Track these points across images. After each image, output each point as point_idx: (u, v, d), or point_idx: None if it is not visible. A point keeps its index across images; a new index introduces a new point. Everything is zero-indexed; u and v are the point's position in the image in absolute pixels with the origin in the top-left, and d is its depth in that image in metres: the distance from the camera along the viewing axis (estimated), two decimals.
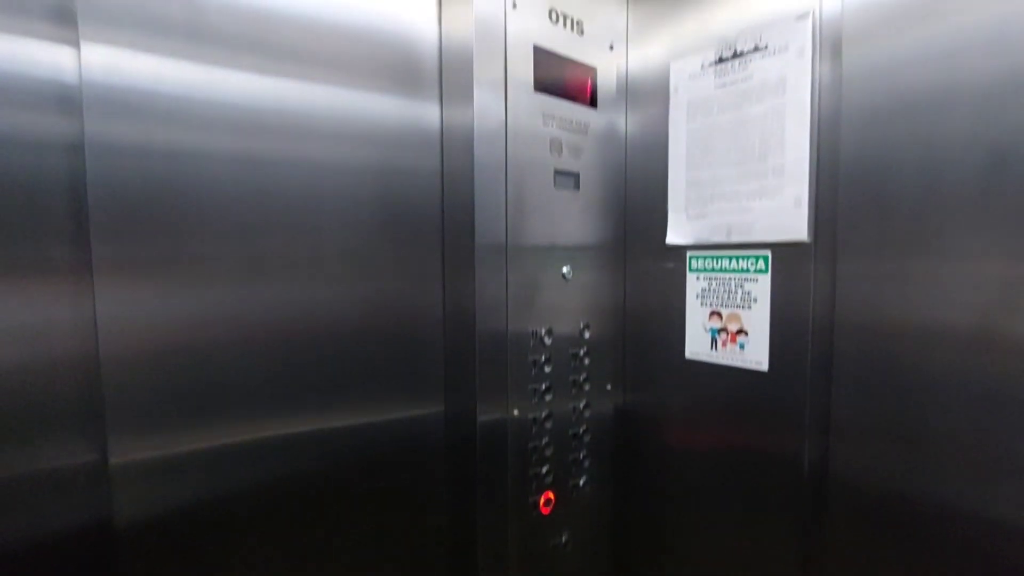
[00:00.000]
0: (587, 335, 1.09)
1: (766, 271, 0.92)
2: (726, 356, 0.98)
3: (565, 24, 1.01)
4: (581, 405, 1.09)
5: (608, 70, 1.08)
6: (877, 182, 0.79)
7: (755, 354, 0.94)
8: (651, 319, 1.10)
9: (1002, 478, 0.71)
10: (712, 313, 1.00)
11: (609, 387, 1.14)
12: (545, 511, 1.04)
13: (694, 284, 1.02)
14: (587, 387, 1.09)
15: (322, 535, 0.89)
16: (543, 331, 1.01)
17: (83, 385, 0.68)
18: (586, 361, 1.09)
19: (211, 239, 0.76)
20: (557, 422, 1.05)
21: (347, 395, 0.90)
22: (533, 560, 1.04)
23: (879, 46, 0.78)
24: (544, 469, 1.03)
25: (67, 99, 0.65)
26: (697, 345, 1.03)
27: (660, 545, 1.12)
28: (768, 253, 0.91)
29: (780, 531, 0.93)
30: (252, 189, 0.79)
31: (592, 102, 1.06)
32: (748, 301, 0.95)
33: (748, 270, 0.94)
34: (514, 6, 0.93)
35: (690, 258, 1.03)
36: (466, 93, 0.91)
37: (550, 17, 0.98)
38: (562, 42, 1.00)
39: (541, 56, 0.97)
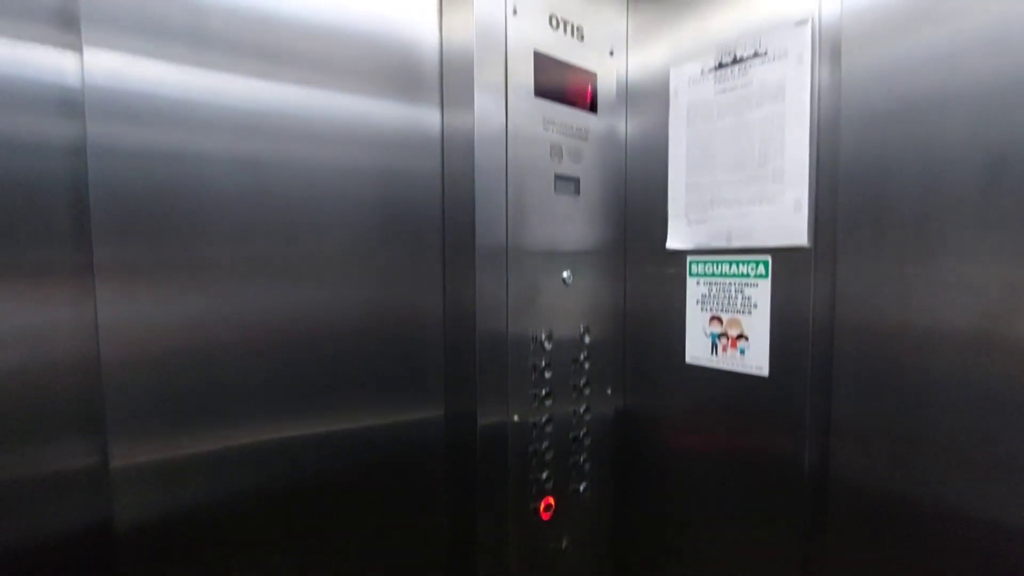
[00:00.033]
0: (587, 339, 1.08)
1: (766, 276, 0.92)
2: (727, 361, 0.98)
3: (565, 30, 1.01)
4: (581, 410, 1.09)
5: (608, 75, 1.09)
6: (876, 186, 0.79)
7: (756, 359, 0.94)
8: (651, 324, 1.10)
9: (1002, 479, 0.71)
10: (712, 318, 1.00)
11: (609, 391, 1.14)
12: (545, 516, 1.04)
13: (694, 289, 1.02)
14: (587, 391, 1.09)
15: (322, 539, 0.89)
16: (543, 335, 1.01)
17: (84, 387, 0.68)
18: (586, 366, 1.09)
19: (212, 242, 0.76)
20: (557, 427, 1.04)
21: (347, 398, 0.90)
22: (533, 566, 1.03)
23: (878, 51, 0.79)
24: (544, 474, 1.03)
25: (69, 102, 0.66)
26: (698, 350, 1.03)
27: (661, 549, 1.12)
28: (768, 258, 0.92)
29: (781, 535, 0.92)
30: (253, 192, 0.79)
31: (592, 107, 1.06)
32: (748, 306, 0.94)
33: (748, 275, 0.94)
34: (515, 12, 0.93)
35: (690, 263, 1.03)
36: (467, 98, 0.91)
37: (550, 23, 0.99)
38: (562, 48, 1.01)
39: (541, 62, 0.97)
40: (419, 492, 1.00)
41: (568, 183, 1.04)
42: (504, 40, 0.93)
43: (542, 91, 0.98)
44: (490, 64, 0.92)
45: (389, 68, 0.92)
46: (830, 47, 0.83)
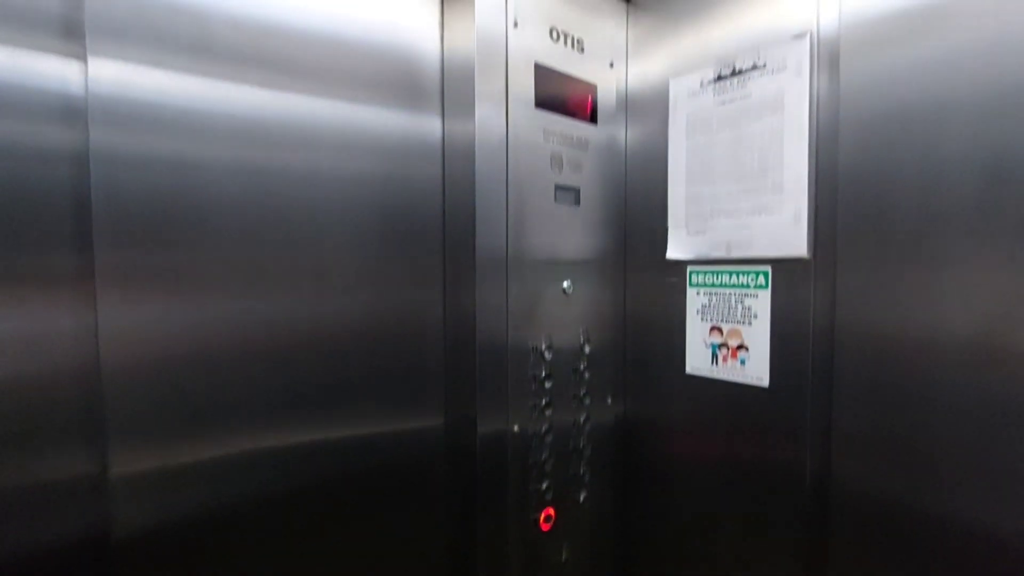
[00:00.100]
0: (587, 349, 1.08)
1: (766, 287, 0.92)
2: (727, 372, 0.98)
3: (566, 42, 1.02)
4: (582, 420, 1.08)
5: (608, 87, 1.10)
6: (875, 196, 0.80)
7: (756, 370, 0.94)
8: (651, 334, 1.10)
9: (1005, 489, 0.71)
10: (713, 328, 1.00)
11: (610, 401, 1.13)
12: (545, 527, 1.03)
13: (694, 299, 1.03)
14: (587, 401, 1.09)
15: (321, 548, 0.88)
16: (543, 345, 1.01)
17: (84, 394, 0.68)
18: (587, 376, 1.08)
19: (214, 249, 0.76)
20: (557, 437, 1.04)
21: (347, 406, 0.90)
22: None
23: (876, 63, 0.79)
24: (544, 485, 1.02)
25: (73, 110, 0.66)
26: (698, 360, 1.02)
27: (661, 559, 1.11)
28: (768, 269, 0.92)
29: (782, 545, 0.92)
30: (255, 200, 0.79)
31: (592, 118, 1.07)
32: (748, 317, 0.95)
33: (748, 285, 0.95)
34: (515, 24, 0.94)
35: (690, 273, 1.03)
36: (468, 108, 0.92)
37: (551, 35, 1.00)
38: (563, 59, 1.02)
39: (542, 73, 0.98)
40: (418, 502, 0.99)
41: (568, 193, 1.04)
42: (505, 52, 0.93)
43: (542, 102, 0.98)
44: (491, 75, 0.92)
45: (391, 78, 0.92)
46: (828, 59, 0.84)
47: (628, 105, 1.12)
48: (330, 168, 0.86)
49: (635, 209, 1.12)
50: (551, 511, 1.04)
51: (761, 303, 0.93)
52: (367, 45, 0.90)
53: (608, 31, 1.09)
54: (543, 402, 1.01)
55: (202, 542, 0.77)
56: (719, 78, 0.97)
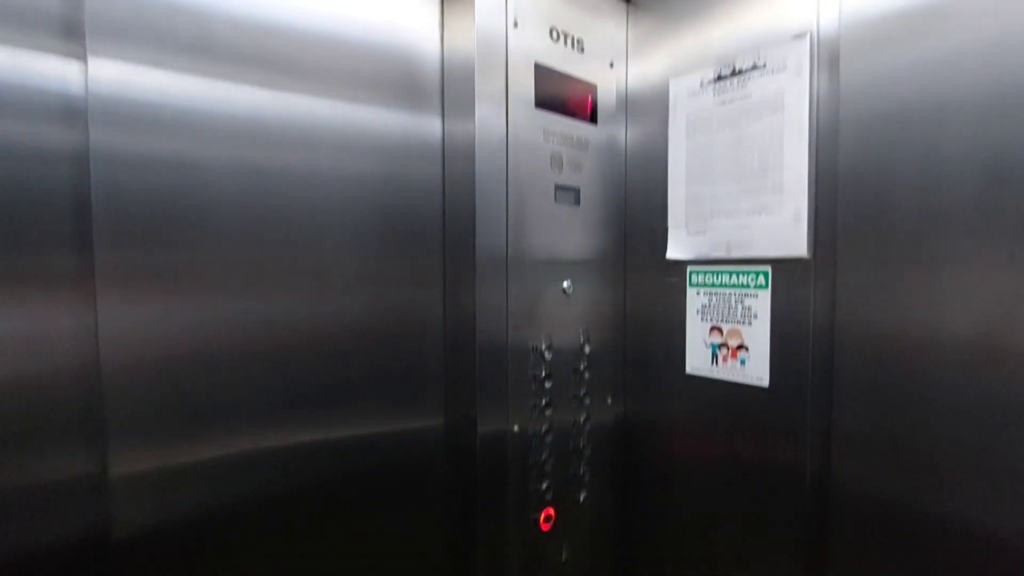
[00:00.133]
0: (587, 349, 1.08)
1: (766, 287, 0.92)
2: (727, 372, 0.98)
3: (566, 42, 1.02)
4: (582, 419, 1.08)
5: (608, 87, 1.10)
6: (875, 196, 0.80)
7: (756, 370, 0.94)
8: (651, 334, 1.10)
9: (1005, 489, 0.71)
10: (713, 328, 1.00)
11: (610, 401, 1.13)
12: (545, 527, 1.03)
13: (694, 299, 1.03)
14: (587, 401, 1.09)
15: (321, 548, 0.88)
16: (543, 344, 1.01)
17: (84, 394, 0.68)
18: (587, 375, 1.08)
19: (214, 249, 0.76)
20: (557, 437, 1.04)
21: (347, 406, 0.90)
22: None
23: (876, 62, 0.79)
24: (544, 485, 1.02)
25: (73, 110, 0.66)
26: (698, 360, 1.02)
27: (661, 559, 1.11)
28: (768, 269, 0.92)
29: (782, 545, 0.92)
30: (255, 200, 0.79)
31: (592, 118, 1.07)
32: (748, 316, 0.95)
33: (748, 285, 0.95)
34: (515, 24, 0.94)
35: (690, 273, 1.03)
36: (468, 108, 0.92)
37: (551, 35, 1.00)
38: (563, 59, 1.02)
39: (542, 73, 0.98)
40: (418, 502, 0.99)
41: (568, 193, 1.04)
42: (505, 52, 0.93)
43: (542, 102, 0.98)
44: (491, 75, 0.92)
45: (391, 78, 0.92)
46: (828, 59, 0.84)
47: (628, 105, 1.12)
48: (330, 168, 0.86)
49: (635, 209, 1.12)
50: (551, 511, 1.04)
51: (761, 303, 0.93)
52: (367, 45, 0.90)
53: (608, 31, 1.09)
54: (543, 402, 1.01)
55: (202, 542, 0.77)
56: (719, 78, 0.97)
